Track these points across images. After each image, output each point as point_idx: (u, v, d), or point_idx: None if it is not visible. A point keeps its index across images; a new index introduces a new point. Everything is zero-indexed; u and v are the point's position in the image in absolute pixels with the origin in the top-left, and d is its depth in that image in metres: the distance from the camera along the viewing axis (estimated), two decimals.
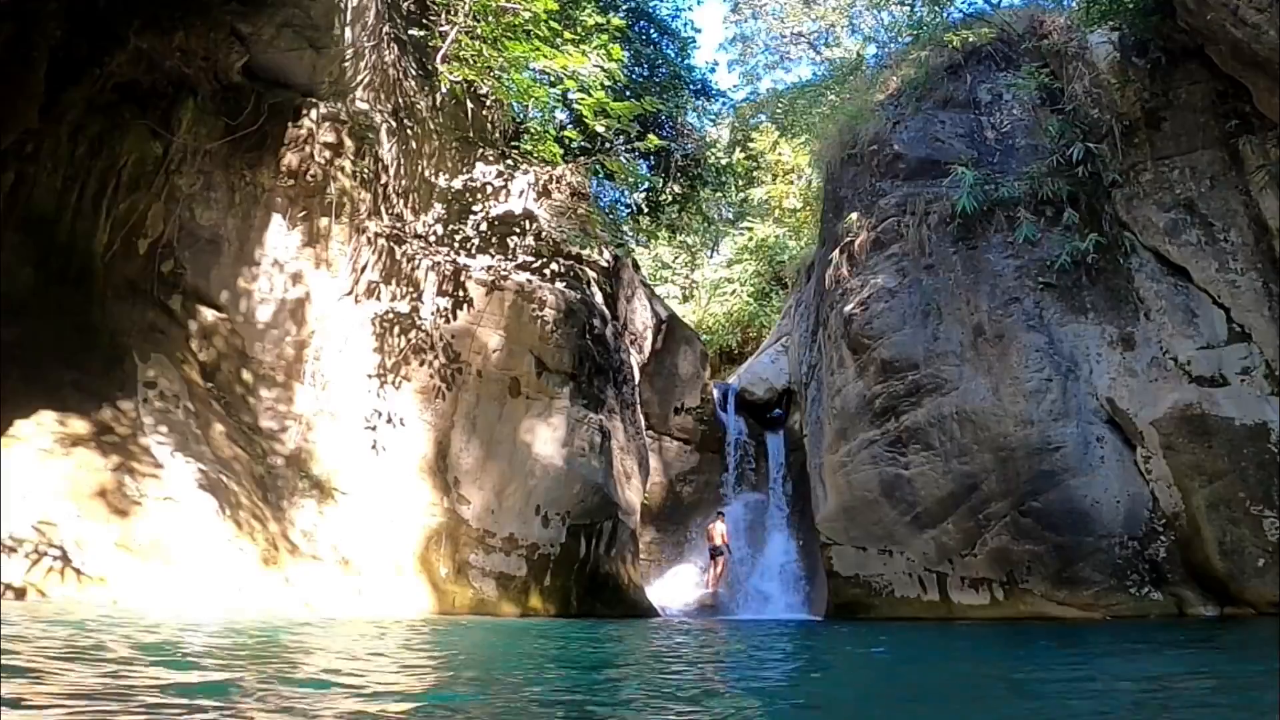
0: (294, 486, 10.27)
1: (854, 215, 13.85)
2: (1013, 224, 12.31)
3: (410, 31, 12.70)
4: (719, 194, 25.03)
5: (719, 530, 15.80)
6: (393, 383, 11.31)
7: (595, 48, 13.36)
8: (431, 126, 13.03)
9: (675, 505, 17.85)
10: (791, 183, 26.10)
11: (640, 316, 17.72)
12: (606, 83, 13.31)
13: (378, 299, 11.55)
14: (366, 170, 11.55)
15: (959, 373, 12.00)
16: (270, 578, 8.95)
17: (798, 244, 24.44)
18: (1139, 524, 10.89)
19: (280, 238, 10.90)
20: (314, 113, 11.20)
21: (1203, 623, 9.93)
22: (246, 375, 10.49)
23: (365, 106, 11.83)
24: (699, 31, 40.95)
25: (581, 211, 14.17)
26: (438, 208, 12.99)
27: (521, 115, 14.65)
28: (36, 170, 9.48)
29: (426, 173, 12.95)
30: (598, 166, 15.24)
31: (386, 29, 12.12)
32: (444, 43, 12.36)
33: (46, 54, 9.25)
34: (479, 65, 12.41)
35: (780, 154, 26.12)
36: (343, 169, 11.34)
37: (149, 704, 3.10)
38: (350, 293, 11.35)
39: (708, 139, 24.28)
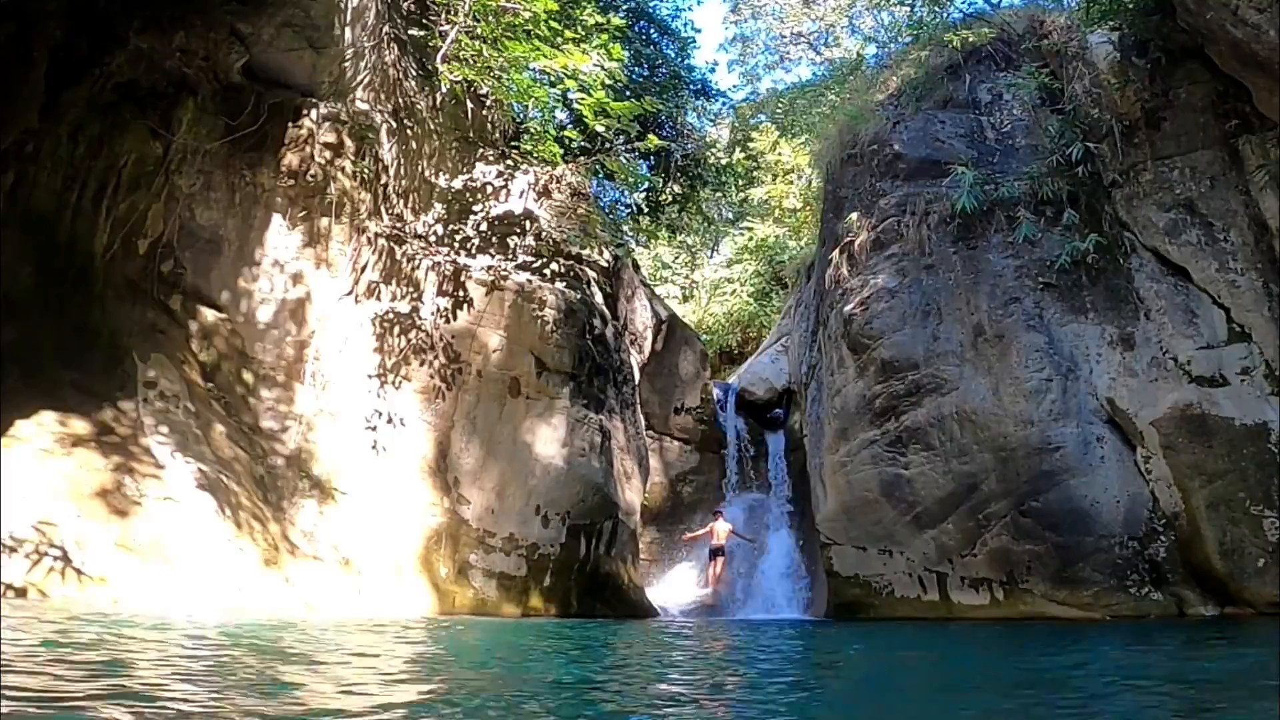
0: (294, 486, 10.28)
1: (854, 215, 13.85)
2: (1013, 224, 12.31)
3: (410, 31, 12.70)
4: (719, 194, 25.03)
5: (721, 529, 15.79)
6: (393, 383, 11.31)
7: (595, 47, 13.35)
8: (431, 126, 13.03)
9: (675, 505, 17.85)
10: (791, 183, 26.11)
11: (640, 316, 17.73)
12: (607, 82, 13.30)
13: (378, 299, 11.55)
14: (366, 170, 11.55)
15: (959, 373, 12.00)
16: (271, 578, 8.95)
17: (798, 244, 24.45)
18: (1139, 524, 10.89)
19: (280, 238, 10.89)
20: (314, 113, 11.20)
21: (1203, 623, 9.93)
22: (247, 375, 10.49)
23: (365, 106, 11.83)
24: (699, 31, 40.94)
25: (581, 211, 14.16)
26: (438, 208, 12.98)
27: (521, 115, 14.63)
28: (36, 170, 9.47)
29: (426, 173, 12.95)
30: (598, 166, 15.22)
31: (386, 29, 12.11)
32: (444, 43, 12.36)
33: (46, 54, 9.24)
34: (479, 65, 12.41)
35: (780, 154, 26.11)
36: (343, 169, 11.34)
37: (149, 707, 3.10)
38: (350, 293, 11.36)
39: (708, 139, 24.27)
